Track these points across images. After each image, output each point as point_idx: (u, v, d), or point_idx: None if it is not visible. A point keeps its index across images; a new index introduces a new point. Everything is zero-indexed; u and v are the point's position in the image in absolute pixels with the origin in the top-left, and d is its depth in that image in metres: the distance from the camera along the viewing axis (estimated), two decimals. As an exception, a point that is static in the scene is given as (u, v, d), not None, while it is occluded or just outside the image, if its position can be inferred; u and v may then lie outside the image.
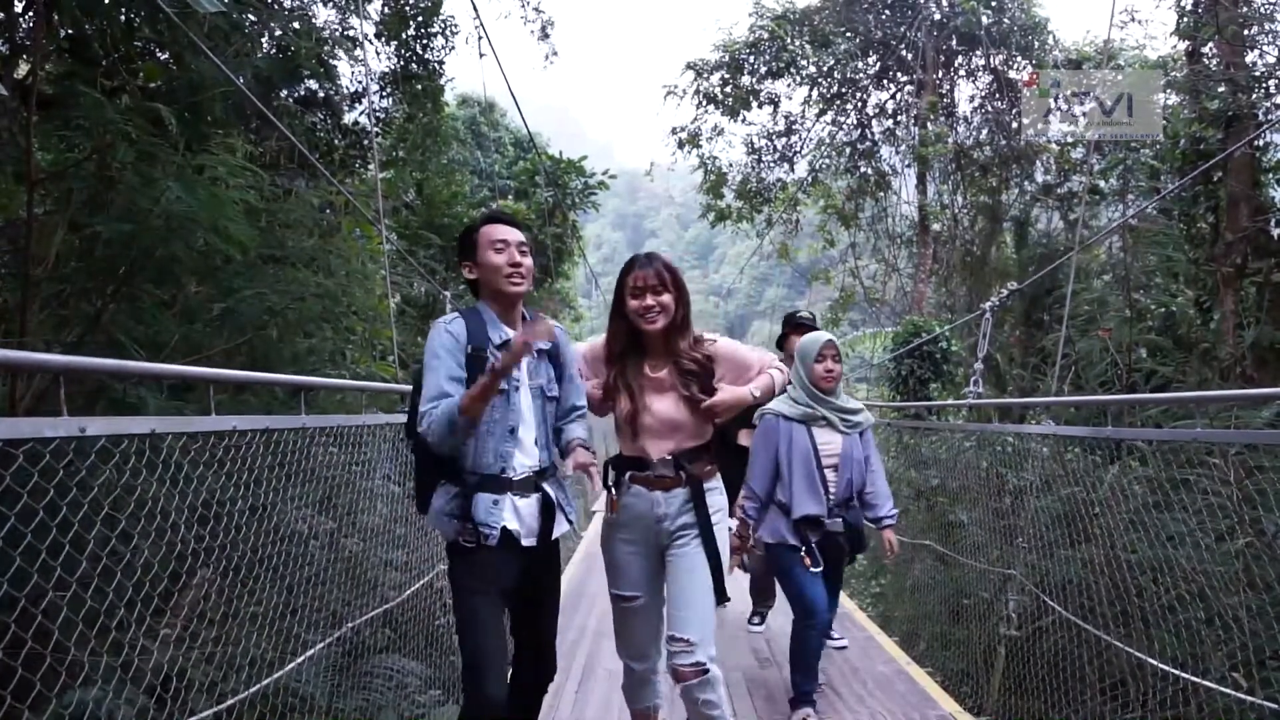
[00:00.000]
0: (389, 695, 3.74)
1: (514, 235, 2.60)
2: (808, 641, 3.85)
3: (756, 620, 5.63)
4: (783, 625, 5.40)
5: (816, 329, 4.82)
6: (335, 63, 8.62)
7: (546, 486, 2.60)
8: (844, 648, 5.08)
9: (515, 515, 2.51)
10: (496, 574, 2.50)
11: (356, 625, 3.55)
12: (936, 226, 16.35)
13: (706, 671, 2.64)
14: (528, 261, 2.62)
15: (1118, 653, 3.65)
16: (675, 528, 2.73)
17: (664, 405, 2.74)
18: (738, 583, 5.49)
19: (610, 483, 2.82)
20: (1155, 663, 3.39)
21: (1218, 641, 3.36)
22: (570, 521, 2.69)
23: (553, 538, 2.64)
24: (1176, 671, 3.26)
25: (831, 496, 3.73)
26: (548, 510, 2.59)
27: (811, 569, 3.66)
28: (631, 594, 2.79)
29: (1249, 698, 2.95)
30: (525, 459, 2.55)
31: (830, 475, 3.76)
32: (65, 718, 2.04)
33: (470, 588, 2.50)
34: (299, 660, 2.99)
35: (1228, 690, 3.03)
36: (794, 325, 5.09)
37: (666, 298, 2.70)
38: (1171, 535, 3.62)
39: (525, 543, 2.53)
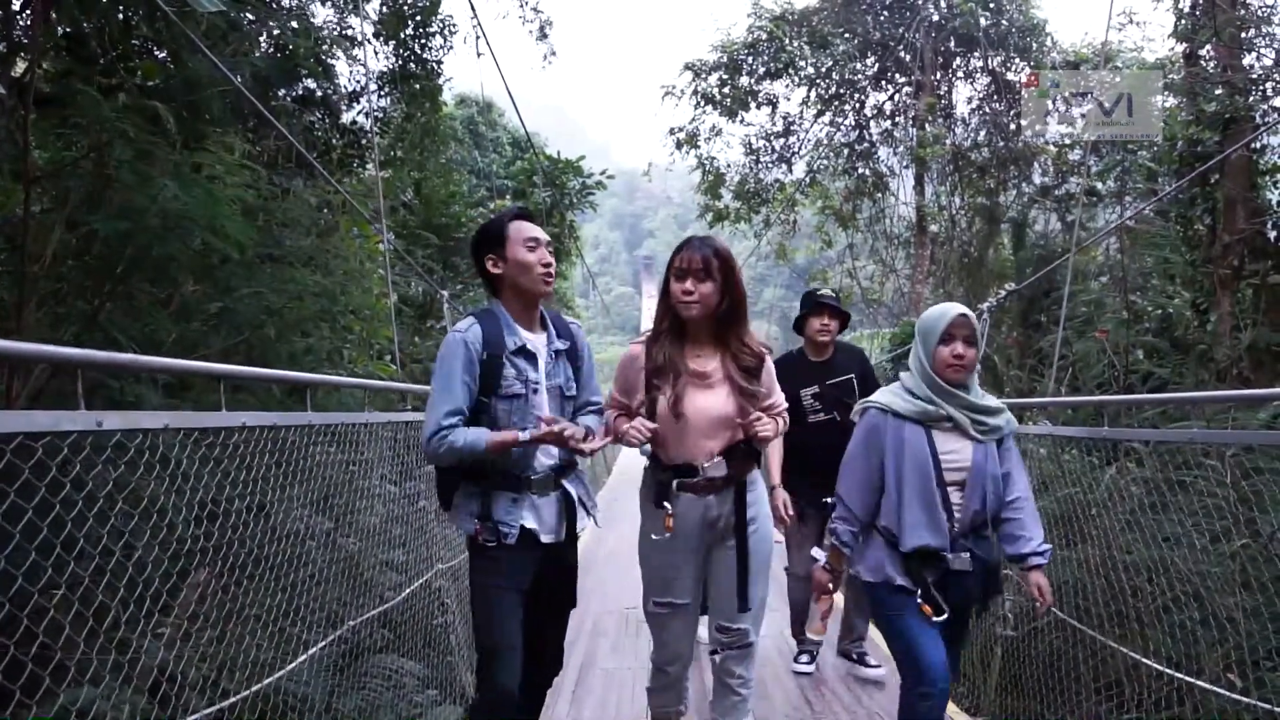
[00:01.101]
0: (386, 695, 3.74)
1: (543, 234, 2.61)
2: (920, 715, 2.81)
3: (805, 659, 4.69)
4: (771, 629, 5.40)
5: (843, 311, 4.47)
6: (333, 62, 8.64)
7: (566, 484, 2.62)
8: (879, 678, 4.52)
9: (534, 514, 2.54)
10: (515, 571, 2.53)
11: (355, 625, 3.55)
12: (934, 228, 16.38)
13: (752, 645, 2.72)
14: (553, 262, 2.64)
15: (1113, 653, 3.65)
16: (725, 526, 2.71)
17: (711, 401, 2.63)
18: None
19: (658, 499, 2.70)
20: (1151, 663, 3.40)
21: (1213, 642, 3.36)
22: (593, 518, 2.72)
23: (576, 533, 2.67)
24: (1172, 672, 3.27)
25: (956, 523, 2.71)
26: (568, 508, 2.62)
27: (934, 618, 2.67)
28: (681, 601, 2.74)
29: (1244, 698, 2.96)
30: (545, 458, 2.58)
31: (955, 495, 2.74)
32: (72, 713, 2.04)
33: (489, 584, 2.53)
34: (298, 660, 2.99)
35: (1223, 691, 3.03)
36: (815, 306, 4.39)
37: (708, 287, 2.58)
38: (1168, 536, 3.63)
39: (545, 539, 2.56)
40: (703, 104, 16.96)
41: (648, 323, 2.88)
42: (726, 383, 2.65)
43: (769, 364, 2.77)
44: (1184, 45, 8.89)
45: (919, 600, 2.69)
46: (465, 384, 2.45)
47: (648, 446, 2.75)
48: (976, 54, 16.24)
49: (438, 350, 2.59)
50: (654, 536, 2.68)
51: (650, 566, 2.79)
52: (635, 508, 2.87)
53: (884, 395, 2.85)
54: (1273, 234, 8.04)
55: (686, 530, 2.68)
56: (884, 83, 17.27)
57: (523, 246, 2.54)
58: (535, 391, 2.55)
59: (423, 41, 10.19)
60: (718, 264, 2.59)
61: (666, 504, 2.65)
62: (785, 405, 2.90)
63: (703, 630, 3.08)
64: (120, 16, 4.99)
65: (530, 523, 2.52)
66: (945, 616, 2.67)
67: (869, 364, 4.63)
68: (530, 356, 2.56)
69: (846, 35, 16.24)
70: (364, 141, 8.90)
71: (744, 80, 16.78)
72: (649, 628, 2.92)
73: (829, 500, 4.00)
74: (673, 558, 2.71)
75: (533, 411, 2.54)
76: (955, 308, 2.79)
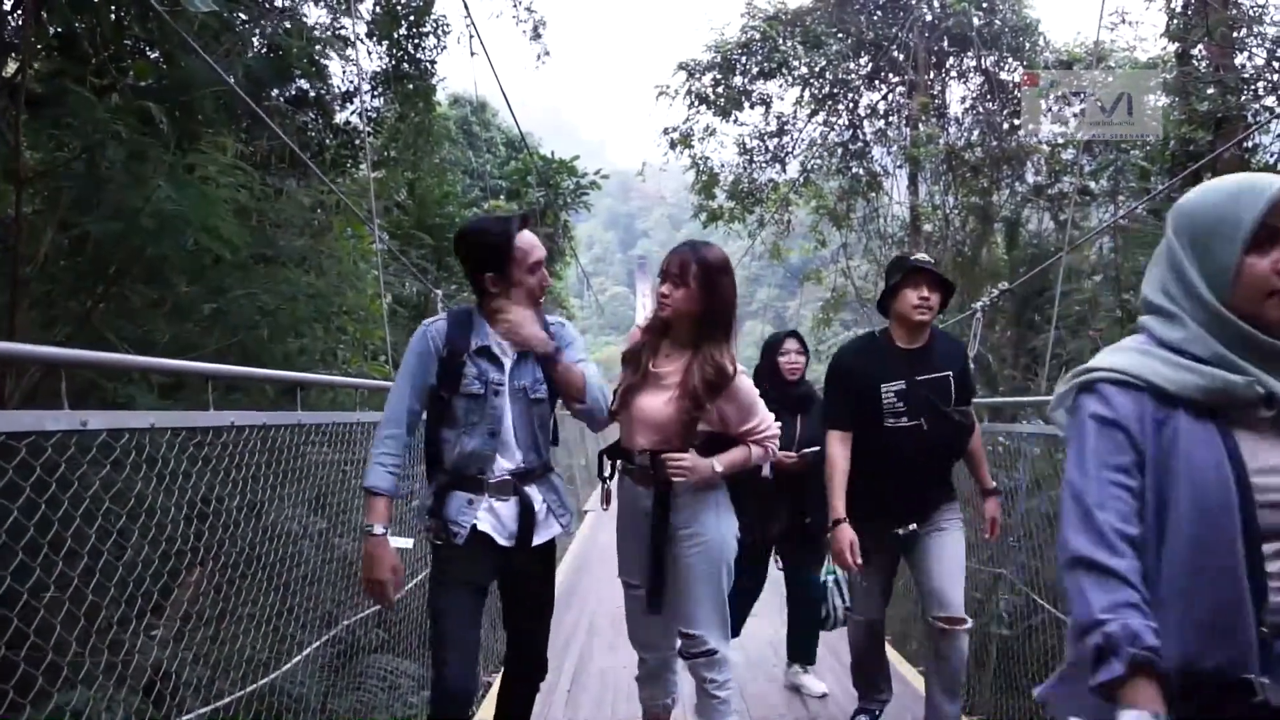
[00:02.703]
0: (382, 695, 3.73)
1: (542, 251, 2.56)
2: None
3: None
4: (767, 629, 5.40)
5: (947, 281, 3.20)
6: (326, 62, 8.62)
7: (529, 489, 2.57)
8: None
9: (492, 516, 2.50)
10: (466, 570, 2.50)
11: (350, 625, 3.54)
12: (928, 227, 16.41)
13: (715, 653, 2.68)
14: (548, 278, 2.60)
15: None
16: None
17: (652, 403, 2.62)
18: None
19: (605, 475, 2.81)
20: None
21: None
22: (563, 525, 2.66)
23: (537, 542, 2.58)
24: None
25: (1271, 616, 1.22)
26: (527, 513, 2.55)
27: None
28: (634, 582, 2.78)
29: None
30: (505, 461, 2.53)
31: (1276, 559, 1.24)
32: (66, 713, 2.04)
33: (440, 581, 2.53)
34: (294, 661, 2.98)
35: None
36: (910, 273, 3.13)
37: (680, 294, 2.56)
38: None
39: (502, 543, 2.51)
40: (696, 104, 16.94)
41: (641, 323, 2.89)
42: (679, 389, 2.60)
43: (744, 383, 2.65)
44: (1176, 45, 8.93)
45: None
46: (416, 385, 2.51)
47: None
48: (970, 54, 16.27)
49: None
50: (601, 506, 2.85)
51: (617, 538, 2.86)
52: None
53: (1124, 358, 1.38)
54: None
55: (624, 511, 2.78)
56: (877, 82, 17.28)
57: (528, 273, 2.49)
58: (497, 394, 2.51)
59: (416, 41, 10.19)
60: (695, 270, 2.56)
61: (606, 479, 2.79)
62: (774, 432, 2.75)
63: None
64: (112, 16, 4.98)
65: (484, 525, 2.48)
66: None
67: (969, 364, 3.49)
68: (494, 357, 2.53)
69: (840, 35, 16.25)
70: (357, 142, 8.89)
71: (738, 80, 16.77)
72: None
73: (901, 531, 3.17)
74: (620, 534, 2.82)
75: (492, 413, 2.50)
76: (1274, 180, 1.30)
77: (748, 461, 2.67)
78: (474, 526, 2.46)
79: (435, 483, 2.53)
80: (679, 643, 2.78)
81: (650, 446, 2.62)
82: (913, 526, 3.17)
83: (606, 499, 2.81)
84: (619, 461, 2.77)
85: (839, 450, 3.16)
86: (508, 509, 2.53)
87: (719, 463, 2.61)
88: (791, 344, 4.22)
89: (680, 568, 2.65)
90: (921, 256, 3.25)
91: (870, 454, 3.11)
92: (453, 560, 2.49)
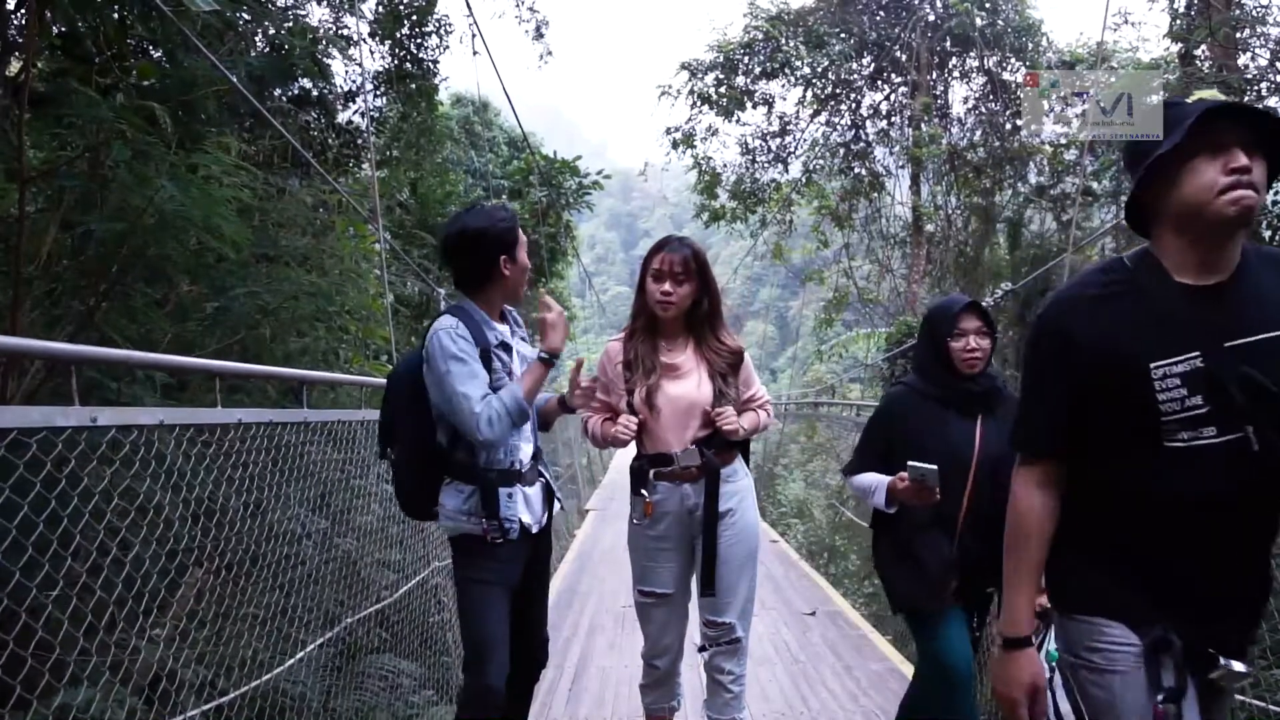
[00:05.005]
0: (383, 695, 3.74)
1: None
2: None
3: None
4: (768, 628, 5.41)
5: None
6: (329, 62, 8.63)
7: (542, 471, 2.69)
8: None
9: (526, 505, 2.57)
10: (510, 567, 2.54)
11: (350, 625, 3.55)
12: (930, 227, 16.42)
13: (739, 642, 2.73)
14: None
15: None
16: (702, 516, 2.74)
17: (682, 390, 2.70)
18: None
19: (640, 488, 2.78)
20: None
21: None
22: (559, 499, 2.77)
23: (550, 520, 2.71)
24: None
25: None
26: (548, 495, 2.68)
27: None
28: (663, 591, 2.78)
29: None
30: (527, 447, 2.62)
31: None
32: (71, 710, 2.04)
33: (482, 580, 2.52)
34: (294, 660, 2.99)
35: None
36: (1202, 120, 1.45)
37: (686, 289, 2.68)
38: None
39: (534, 530, 2.60)
40: (699, 104, 16.96)
41: (622, 335, 2.91)
42: (697, 372, 2.73)
43: (747, 358, 2.84)
44: (1179, 45, 8.93)
45: None
46: (482, 371, 2.45)
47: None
48: (972, 54, 16.27)
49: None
50: (634, 521, 2.79)
51: (635, 555, 2.84)
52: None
53: None
54: (1267, 234, 8.08)
55: (666, 518, 2.75)
56: (880, 83, 17.30)
57: (525, 254, 2.63)
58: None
59: (418, 41, 10.20)
60: (696, 266, 2.69)
61: (644, 491, 2.76)
62: (767, 397, 2.92)
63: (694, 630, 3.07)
64: (116, 16, 4.98)
65: (525, 516, 2.56)
66: None
67: None
68: (508, 349, 2.60)
69: (842, 35, 16.25)
70: (360, 141, 8.90)
71: (740, 80, 16.78)
72: (638, 619, 2.92)
73: (1236, 667, 1.52)
74: (654, 545, 2.78)
75: None
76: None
77: (757, 426, 2.83)
78: (520, 520, 2.52)
79: (472, 484, 2.51)
80: (700, 634, 2.80)
81: (695, 436, 2.70)
82: (1237, 667, 1.52)
83: (648, 510, 2.75)
84: (652, 471, 2.75)
85: (1035, 499, 1.66)
86: (535, 494, 2.63)
87: (747, 423, 2.77)
88: (970, 321, 2.81)
89: (718, 559, 2.70)
90: (1211, 94, 1.59)
91: (1138, 504, 1.55)
92: (499, 558, 2.51)
